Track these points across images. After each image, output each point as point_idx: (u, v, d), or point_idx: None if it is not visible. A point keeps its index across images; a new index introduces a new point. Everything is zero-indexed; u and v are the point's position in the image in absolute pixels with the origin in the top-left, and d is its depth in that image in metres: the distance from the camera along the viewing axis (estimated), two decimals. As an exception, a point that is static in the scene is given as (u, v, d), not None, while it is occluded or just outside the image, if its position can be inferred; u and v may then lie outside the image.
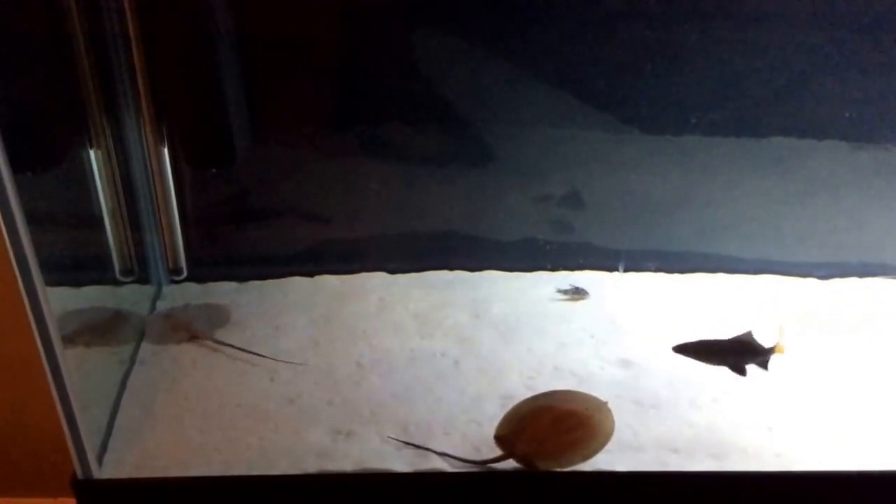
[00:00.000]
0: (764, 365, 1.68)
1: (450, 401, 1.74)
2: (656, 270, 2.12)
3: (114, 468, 1.59)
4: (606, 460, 1.58)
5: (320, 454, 1.61)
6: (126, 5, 1.72)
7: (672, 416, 1.70)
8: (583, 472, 1.57)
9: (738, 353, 1.70)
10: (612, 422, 1.58)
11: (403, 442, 1.63)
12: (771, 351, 1.68)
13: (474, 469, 1.58)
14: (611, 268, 2.12)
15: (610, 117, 1.96)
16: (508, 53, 1.89)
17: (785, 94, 1.92)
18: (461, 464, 1.59)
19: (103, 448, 1.62)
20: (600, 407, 1.58)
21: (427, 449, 1.62)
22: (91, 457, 1.53)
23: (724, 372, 1.80)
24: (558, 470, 1.57)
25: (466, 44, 1.88)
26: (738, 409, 1.72)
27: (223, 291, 2.09)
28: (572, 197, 2.06)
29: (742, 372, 1.68)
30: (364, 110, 1.99)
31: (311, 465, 1.59)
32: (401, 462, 1.59)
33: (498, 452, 1.57)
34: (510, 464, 1.58)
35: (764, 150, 1.99)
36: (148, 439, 1.65)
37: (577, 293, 2.05)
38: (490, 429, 1.65)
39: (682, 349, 1.70)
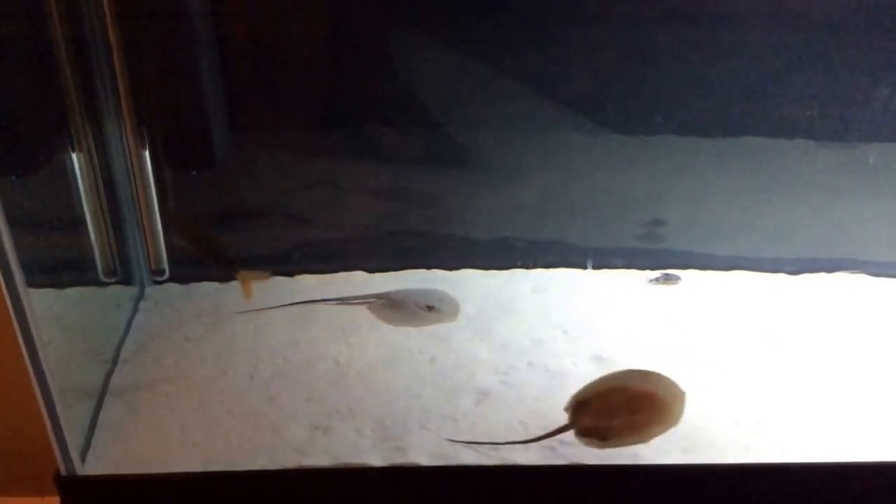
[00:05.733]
0: None
1: (426, 396, 1.77)
2: (626, 267, 2.15)
3: (96, 465, 1.62)
4: (576, 454, 1.62)
5: (299, 450, 1.65)
6: (106, 10, 1.74)
7: (642, 410, 1.74)
8: (553, 466, 1.62)
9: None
10: (682, 413, 1.59)
11: (464, 442, 1.66)
12: None
13: (452, 464, 1.62)
14: (584, 265, 2.16)
15: (584, 118, 1.99)
16: (486, 55, 1.92)
17: (756, 94, 1.95)
18: (448, 459, 1.63)
19: (86, 445, 1.65)
20: (677, 396, 1.58)
21: (491, 443, 1.65)
22: (74, 454, 1.56)
23: (692, 367, 1.85)
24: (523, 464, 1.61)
25: (444, 45, 1.91)
26: (706, 403, 1.74)
27: (205, 291, 2.11)
28: (546, 196, 2.10)
29: None
30: (342, 111, 2.02)
31: (289, 461, 1.62)
32: (377, 457, 1.63)
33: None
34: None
35: (735, 148, 2.02)
36: (130, 436, 1.68)
37: (669, 279, 2.10)
38: (465, 423, 1.70)
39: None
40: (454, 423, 1.71)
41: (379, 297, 2.03)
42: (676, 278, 2.11)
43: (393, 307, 1.99)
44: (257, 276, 1.86)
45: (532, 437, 1.65)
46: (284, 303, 2.04)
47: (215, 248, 1.91)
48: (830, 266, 2.15)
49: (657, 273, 2.12)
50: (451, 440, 1.66)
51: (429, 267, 2.18)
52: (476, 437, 1.67)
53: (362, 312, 2.02)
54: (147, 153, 1.91)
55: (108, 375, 1.83)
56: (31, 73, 1.73)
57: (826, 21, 1.85)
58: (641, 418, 1.57)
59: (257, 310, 2.00)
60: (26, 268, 1.40)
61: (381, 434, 1.68)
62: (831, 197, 2.09)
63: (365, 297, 2.03)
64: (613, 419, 1.57)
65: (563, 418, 1.65)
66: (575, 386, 1.77)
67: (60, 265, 1.84)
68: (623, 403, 1.58)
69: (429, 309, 1.97)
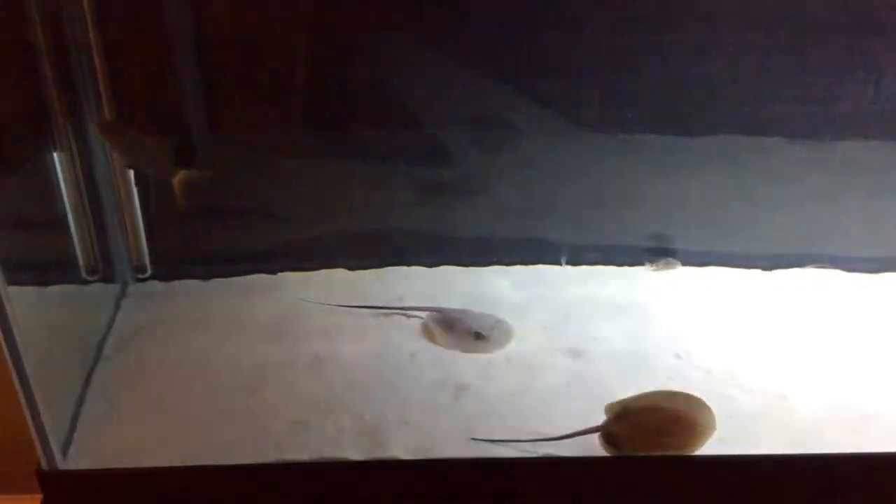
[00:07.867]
0: None
1: (405, 391, 1.79)
2: (603, 263, 2.18)
3: (78, 460, 1.63)
4: (551, 446, 1.64)
5: (279, 444, 1.66)
6: (87, 13, 1.76)
7: (620, 403, 1.76)
8: (533, 459, 1.64)
9: None
10: (709, 437, 1.60)
11: (486, 440, 1.67)
12: None
13: (432, 457, 1.64)
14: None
15: (561, 117, 2.02)
16: (463, 56, 1.93)
17: (730, 92, 1.98)
18: (427, 453, 1.65)
19: (68, 441, 1.66)
20: (709, 423, 1.58)
21: (515, 440, 1.66)
22: (55, 449, 1.58)
23: (669, 359, 1.88)
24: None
25: (423, 45, 1.93)
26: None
27: (187, 289, 2.13)
28: (524, 194, 2.13)
29: None
30: (322, 111, 2.03)
31: (269, 455, 1.64)
32: (356, 451, 1.65)
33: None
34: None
35: (710, 146, 2.05)
36: (112, 432, 1.69)
37: (668, 264, 2.14)
38: (443, 418, 1.72)
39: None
40: (432, 417, 1.73)
41: (437, 310, 2.01)
42: (676, 263, 2.15)
43: (445, 326, 1.97)
44: (197, 175, 1.74)
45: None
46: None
47: (156, 148, 1.76)
48: (805, 261, 2.17)
49: (658, 258, 2.16)
50: (474, 439, 1.67)
51: (409, 264, 2.20)
52: (453, 429, 1.69)
53: (349, 311, 2.04)
54: (128, 151, 1.93)
55: (90, 372, 1.84)
56: (11, 72, 1.74)
57: (799, 20, 1.88)
58: (669, 442, 1.60)
59: (309, 301, 2.04)
60: (7, 266, 1.42)
61: (360, 428, 1.70)
62: (804, 193, 2.11)
63: (423, 308, 2.03)
64: (645, 436, 1.59)
65: (545, 414, 1.70)
66: (553, 379, 1.81)
67: (42, 263, 1.84)
68: (658, 424, 1.59)
69: (476, 337, 1.94)
